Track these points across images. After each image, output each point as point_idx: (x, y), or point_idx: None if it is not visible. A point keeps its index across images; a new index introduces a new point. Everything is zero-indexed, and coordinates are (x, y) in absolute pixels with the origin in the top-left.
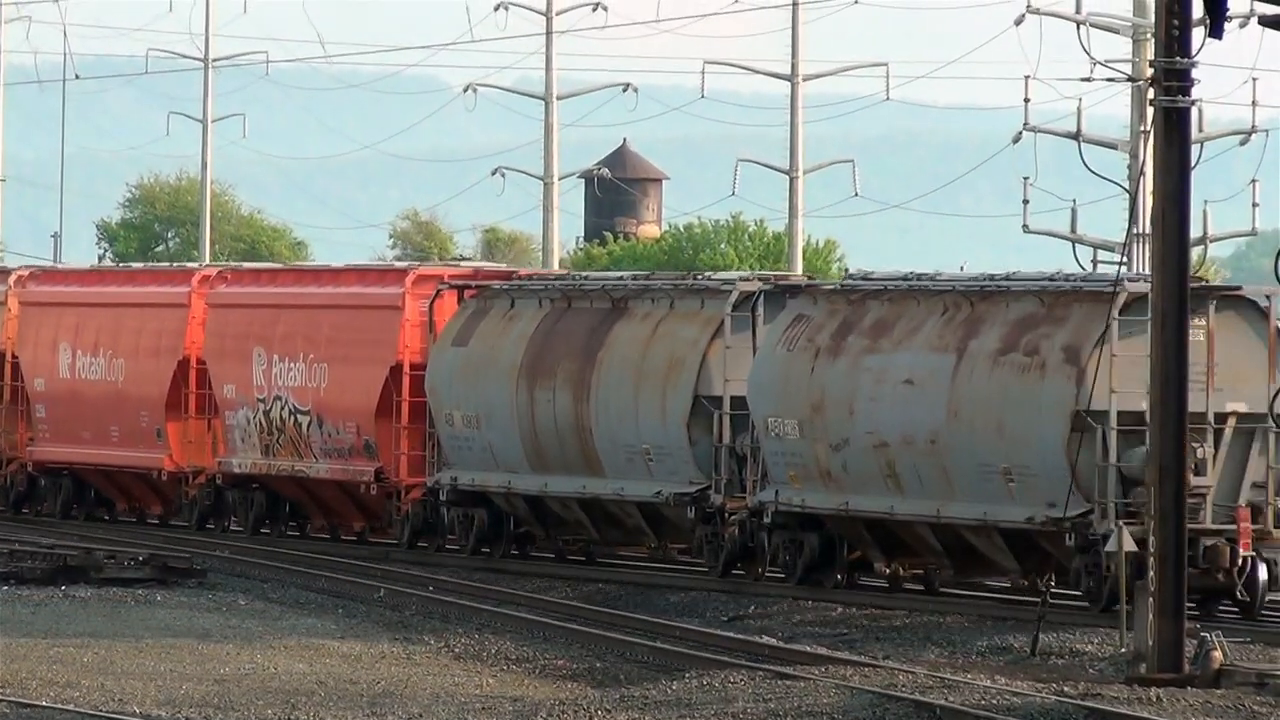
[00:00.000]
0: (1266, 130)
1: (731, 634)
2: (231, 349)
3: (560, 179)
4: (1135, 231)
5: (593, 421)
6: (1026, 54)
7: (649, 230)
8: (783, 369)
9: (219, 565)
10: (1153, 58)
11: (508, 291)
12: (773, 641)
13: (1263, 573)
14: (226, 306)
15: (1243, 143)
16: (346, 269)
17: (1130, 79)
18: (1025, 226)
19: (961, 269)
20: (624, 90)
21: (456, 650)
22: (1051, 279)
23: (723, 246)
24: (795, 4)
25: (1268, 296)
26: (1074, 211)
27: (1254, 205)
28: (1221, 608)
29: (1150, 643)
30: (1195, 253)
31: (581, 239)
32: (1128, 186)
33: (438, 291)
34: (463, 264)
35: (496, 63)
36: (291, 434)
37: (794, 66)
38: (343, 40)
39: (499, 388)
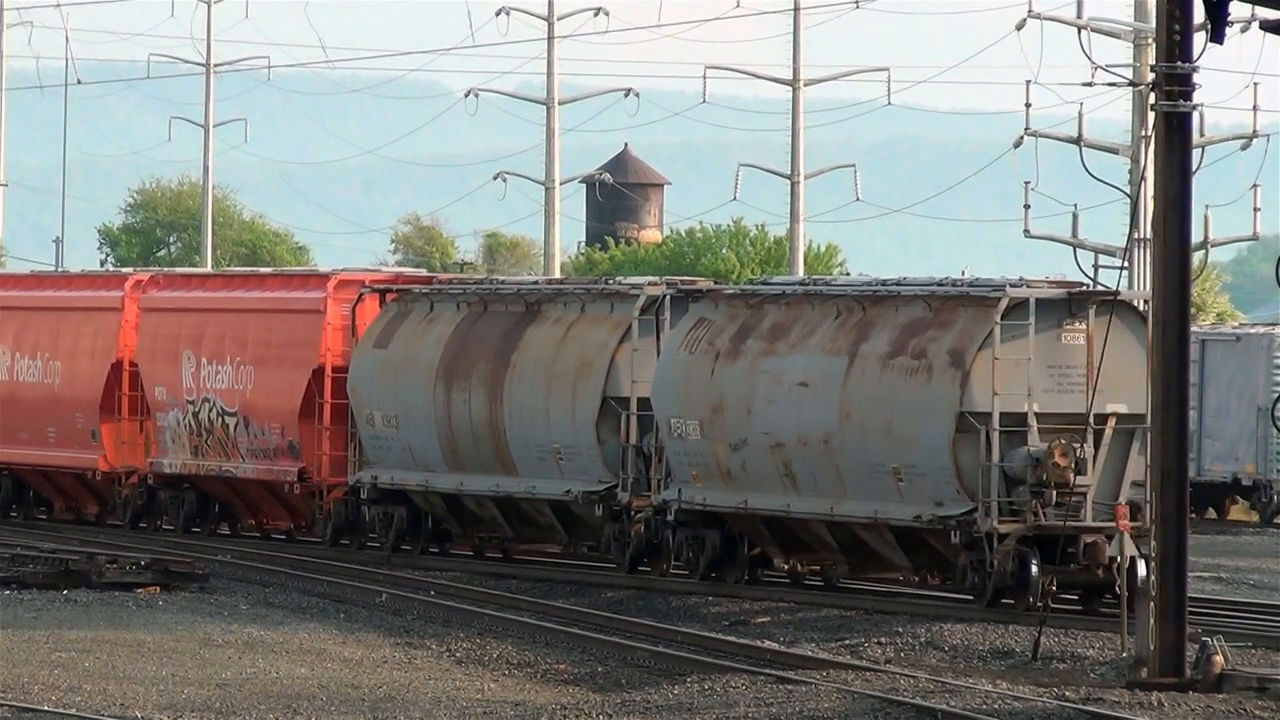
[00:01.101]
0: (1268, 135)
1: (733, 638)
2: (162, 352)
3: (562, 184)
4: (1136, 236)
5: (506, 422)
6: (1028, 59)
7: (650, 235)
8: (685, 371)
9: (221, 570)
10: (1154, 62)
11: (427, 295)
12: (774, 646)
13: (1141, 569)
14: (158, 310)
15: (1244, 147)
16: (272, 274)
17: (1131, 84)
18: (1026, 231)
19: (963, 273)
20: (625, 95)
21: (458, 654)
22: (940, 284)
23: (724, 251)
24: (797, 9)
25: (1146, 301)
26: (1075, 216)
27: (1255, 210)
28: (1102, 605)
29: (1151, 647)
30: (1196, 258)
31: (583, 244)
32: (1129, 191)
33: (360, 295)
34: (383, 269)
35: (498, 67)
36: (219, 435)
37: (795, 71)
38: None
39: (417, 389)
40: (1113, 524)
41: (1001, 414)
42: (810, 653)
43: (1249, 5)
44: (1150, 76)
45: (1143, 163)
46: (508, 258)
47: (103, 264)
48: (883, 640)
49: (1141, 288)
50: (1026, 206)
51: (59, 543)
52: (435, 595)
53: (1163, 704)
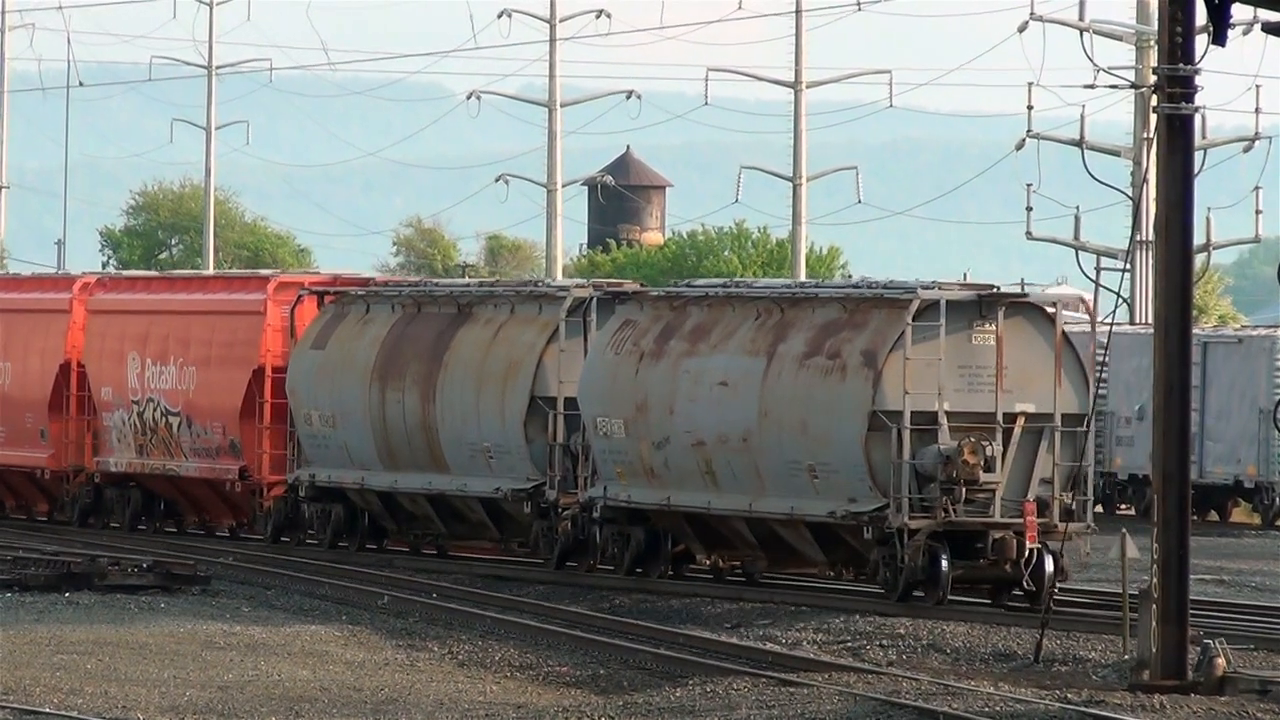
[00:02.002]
0: (1269, 137)
1: (735, 641)
2: (109, 353)
3: (564, 186)
4: (1138, 238)
5: (438, 421)
6: (1030, 61)
7: (652, 237)
8: (610, 371)
9: (223, 572)
10: (1156, 65)
11: (363, 297)
12: (776, 648)
13: (1049, 564)
14: (105, 313)
15: (1246, 149)
16: (214, 277)
17: (1133, 86)
18: (1028, 233)
19: (965, 276)
20: (627, 97)
21: (460, 657)
22: (855, 287)
23: (726, 253)
24: (799, 11)
25: (1054, 304)
26: (1077, 218)
27: (1257, 212)
28: (1011, 599)
29: (1153, 649)
30: (1199, 260)
31: (585, 246)
32: (1131, 193)
33: (298, 297)
34: (321, 272)
35: (500, 70)
36: (163, 434)
37: (797, 73)
38: (346, 47)
39: (353, 389)
40: (1020, 520)
41: (912, 413)
42: (812, 655)
43: (1251, 7)
44: (1152, 79)
45: (1145, 165)
46: (510, 260)
47: (104, 266)
48: (885, 643)
49: (1143, 289)
50: (1029, 208)
51: (61, 545)
52: (437, 598)
53: (1165, 706)
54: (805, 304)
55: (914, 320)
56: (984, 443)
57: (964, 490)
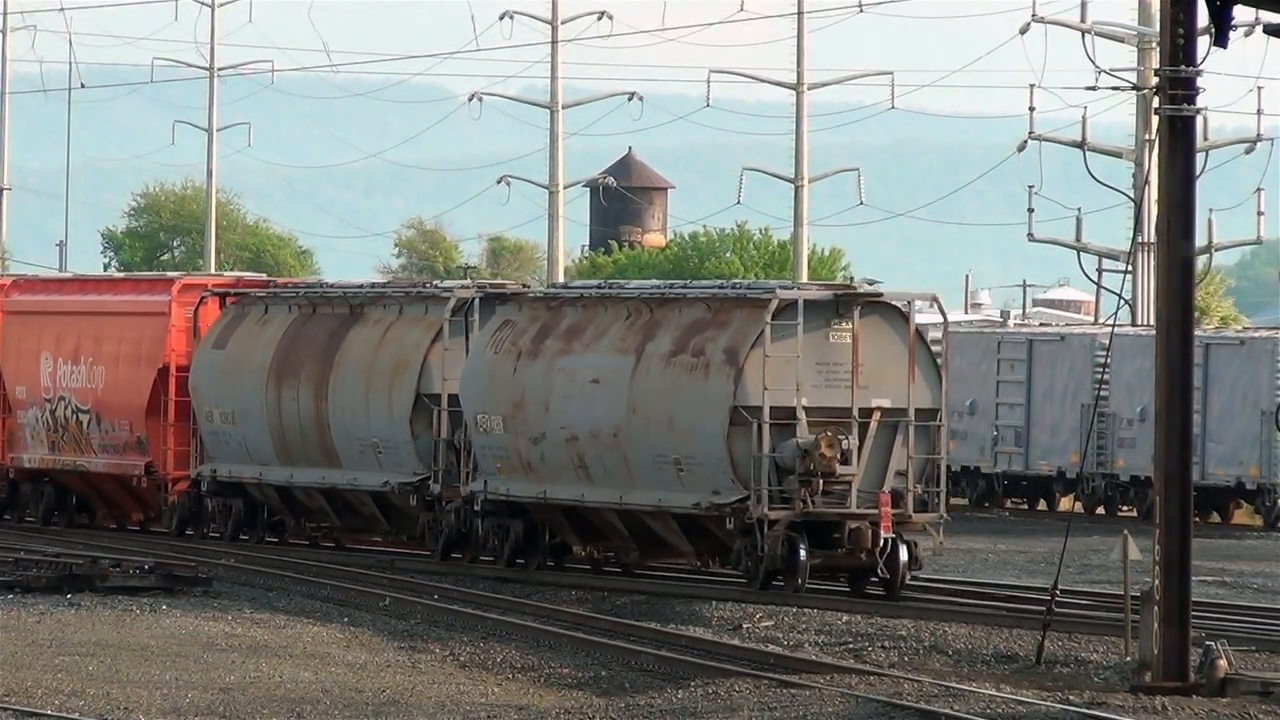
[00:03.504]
0: (1271, 139)
1: (737, 642)
2: (25, 352)
3: (565, 188)
4: (1140, 240)
5: (331, 418)
6: (1032, 63)
7: (654, 239)
8: (490, 369)
9: (224, 574)
10: (1158, 66)
11: (262, 299)
12: (778, 650)
13: (903, 553)
14: (20, 314)
15: (1248, 151)
16: (123, 279)
17: (1135, 88)
18: (1030, 235)
19: (967, 278)
20: (629, 99)
21: (462, 659)
22: (720, 288)
23: (728, 255)
24: (800, 13)
25: (908, 302)
26: (1079, 220)
27: (1259, 214)
28: (868, 587)
29: (1155, 651)
30: (1200, 261)
31: (587, 248)
32: (1132, 195)
33: (201, 299)
34: (226, 274)
35: (502, 71)
36: (74, 431)
37: (799, 75)
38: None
39: (252, 387)
40: (876, 511)
41: (772, 408)
42: (814, 656)
43: (1252, 9)
44: (1154, 80)
45: (1146, 166)
46: (511, 261)
47: (106, 268)
48: (886, 644)
49: (1145, 291)
50: (1030, 210)
51: (63, 547)
52: (439, 599)
53: (1166, 708)
54: (673, 304)
55: (773, 319)
56: (841, 437)
57: (821, 482)
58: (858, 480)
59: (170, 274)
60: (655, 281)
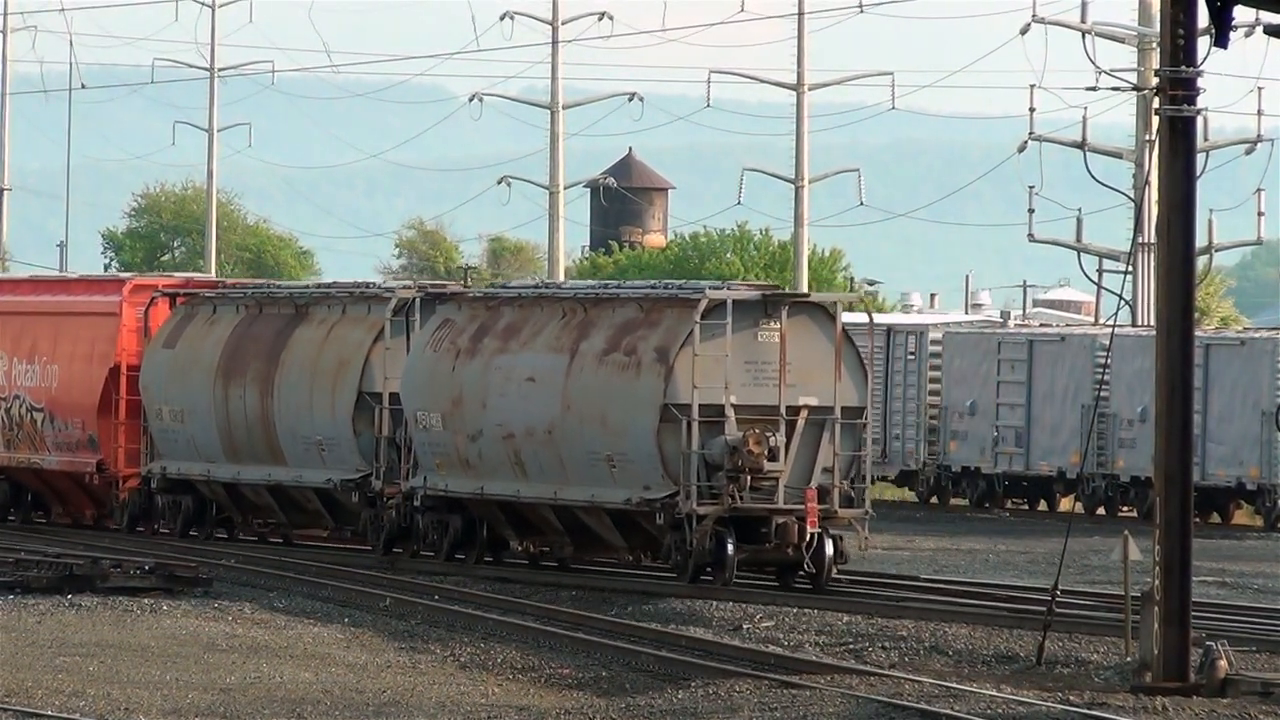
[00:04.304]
0: (1272, 139)
1: (737, 643)
2: None
3: (566, 188)
4: (1140, 240)
5: (276, 416)
6: (1032, 63)
7: (654, 240)
8: (430, 368)
9: (225, 574)
10: (1158, 67)
11: (211, 299)
12: (778, 650)
13: (829, 548)
14: None
15: (1248, 152)
16: (77, 280)
17: (1135, 88)
18: (1030, 235)
19: (967, 279)
20: (629, 99)
21: (462, 659)
22: (652, 288)
23: (728, 256)
24: (801, 13)
25: (835, 302)
26: (1079, 220)
27: (1259, 214)
28: (796, 580)
29: (1155, 652)
30: (1200, 262)
31: (587, 248)
32: (1132, 195)
33: (152, 299)
34: (175, 275)
35: (502, 72)
36: (28, 429)
37: (799, 76)
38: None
39: (200, 386)
40: (802, 506)
41: (701, 405)
42: (814, 657)
43: (1253, 10)
44: (1154, 81)
45: (1146, 167)
46: (512, 262)
47: (107, 268)
48: (887, 644)
49: (1145, 291)
50: (1031, 210)
51: (63, 547)
52: (439, 600)
53: (1167, 709)
54: (606, 304)
55: (702, 319)
56: (768, 434)
57: (749, 478)
58: (785, 476)
59: (122, 275)
60: (591, 282)
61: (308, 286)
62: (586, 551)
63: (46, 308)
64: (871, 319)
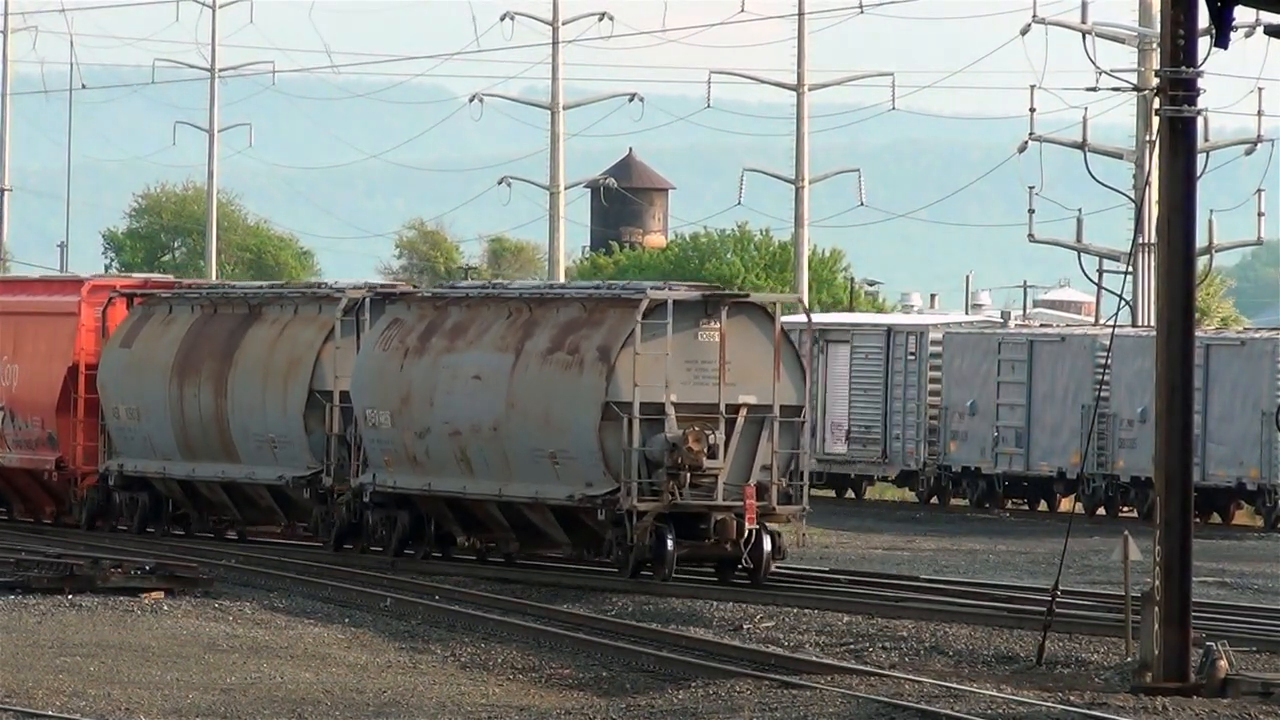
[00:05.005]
0: (1272, 140)
1: (738, 643)
2: None
3: (566, 188)
4: (1141, 241)
5: (230, 414)
6: (1032, 64)
7: (655, 240)
8: (379, 366)
9: (225, 574)
10: (1158, 67)
11: (167, 299)
12: (779, 650)
13: (767, 544)
14: None
15: (1248, 152)
16: (38, 280)
17: (1136, 89)
18: (1031, 236)
19: (967, 279)
20: (630, 100)
21: (462, 659)
22: (596, 288)
23: (729, 256)
24: (801, 14)
25: (774, 303)
26: (1079, 221)
27: (1259, 215)
28: (735, 576)
29: (1156, 652)
30: (1201, 262)
31: (587, 249)
32: (1133, 196)
33: (109, 299)
34: (134, 275)
35: (503, 72)
36: None
37: (800, 76)
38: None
39: (156, 384)
40: (741, 503)
41: (642, 404)
42: (814, 657)
43: (1253, 10)
44: (1155, 81)
45: (1147, 167)
46: (512, 262)
47: (107, 269)
48: (887, 645)
49: (1146, 292)
50: (1031, 211)
51: (64, 548)
52: (440, 600)
53: (1167, 709)
54: (551, 304)
55: (644, 319)
56: (708, 432)
57: (689, 475)
58: (724, 474)
59: (81, 275)
60: (536, 282)
61: (261, 287)
62: (531, 547)
63: (7, 308)
64: (810, 320)
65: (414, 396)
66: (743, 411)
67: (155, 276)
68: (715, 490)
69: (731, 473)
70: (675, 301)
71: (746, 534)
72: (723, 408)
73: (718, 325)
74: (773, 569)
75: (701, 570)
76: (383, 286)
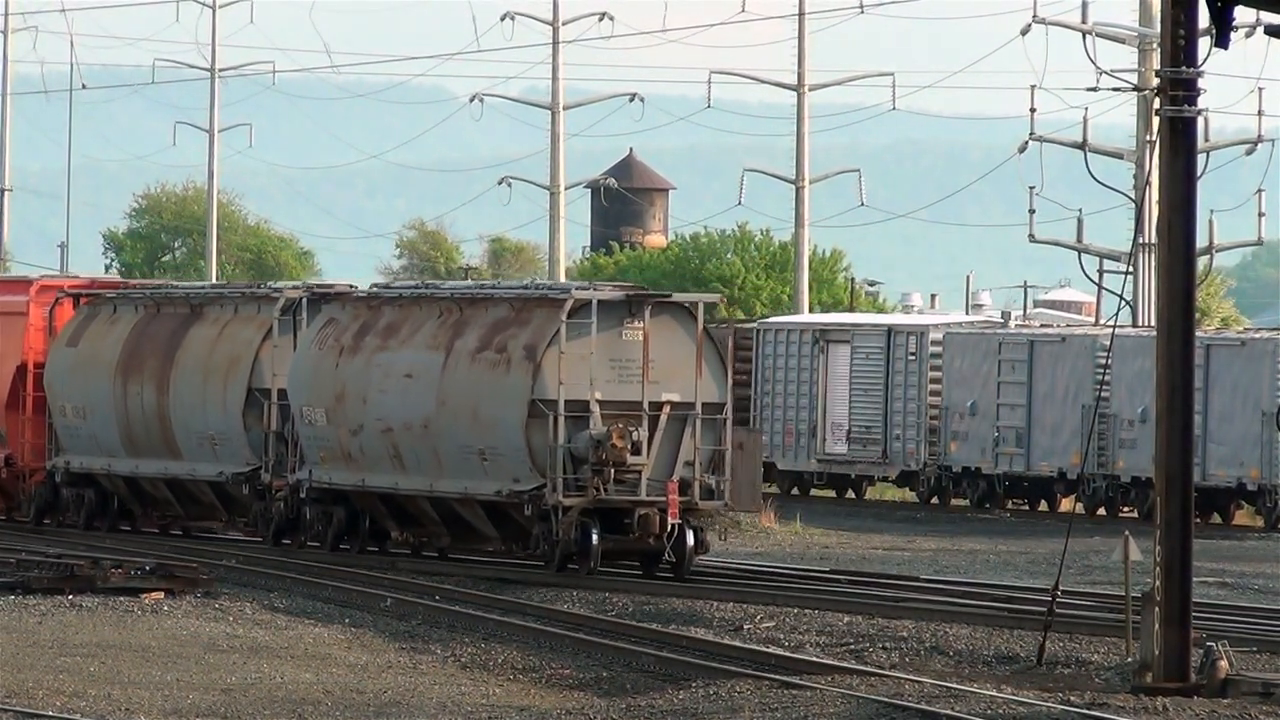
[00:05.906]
0: (1272, 140)
1: (738, 643)
2: None
3: (566, 189)
4: (1141, 241)
5: (172, 412)
6: (1033, 64)
7: (655, 240)
8: (315, 365)
9: (226, 575)
10: (1159, 67)
11: (112, 299)
12: (779, 651)
13: (690, 538)
14: None
15: (1249, 152)
16: None
17: (1136, 89)
18: (1031, 236)
19: (968, 279)
20: (630, 100)
21: (463, 660)
22: (525, 288)
23: (729, 256)
24: (801, 14)
25: (697, 303)
26: (1080, 221)
27: (1260, 215)
28: (658, 570)
29: (1156, 652)
30: (1201, 262)
31: (588, 249)
32: (1133, 196)
33: (57, 299)
34: (81, 275)
35: (503, 72)
36: None
37: (800, 76)
38: (349, 50)
39: (101, 383)
40: (664, 498)
41: (567, 401)
42: (815, 657)
43: (1253, 10)
44: (1155, 82)
45: (1147, 168)
46: (512, 262)
47: (107, 269)
48: (887, 645)
49: (1146, 292)
50: (1031, 211)
51: (64, 548)
52: (440, 600)
53: (1167, 709)
54: (481, 304)
55: (569, 318)
56: (631, 429)
57: (613, 471)
58: (647, 470)
59: (29, 276)
60: (468, 282)
61: (203, 287)
62: (462, 542)
63: None
64: (732, 322)
65: (348, 394)
66: (666, 409)
67: (103, 277)
68: (639, 486)
69: (655, 469)
70: (600, 301)
71: (670, 528)
72: (646, 405)
73: (641, 325)
74: (695, 562)
75: (625, 565)
76: (319, 287)
